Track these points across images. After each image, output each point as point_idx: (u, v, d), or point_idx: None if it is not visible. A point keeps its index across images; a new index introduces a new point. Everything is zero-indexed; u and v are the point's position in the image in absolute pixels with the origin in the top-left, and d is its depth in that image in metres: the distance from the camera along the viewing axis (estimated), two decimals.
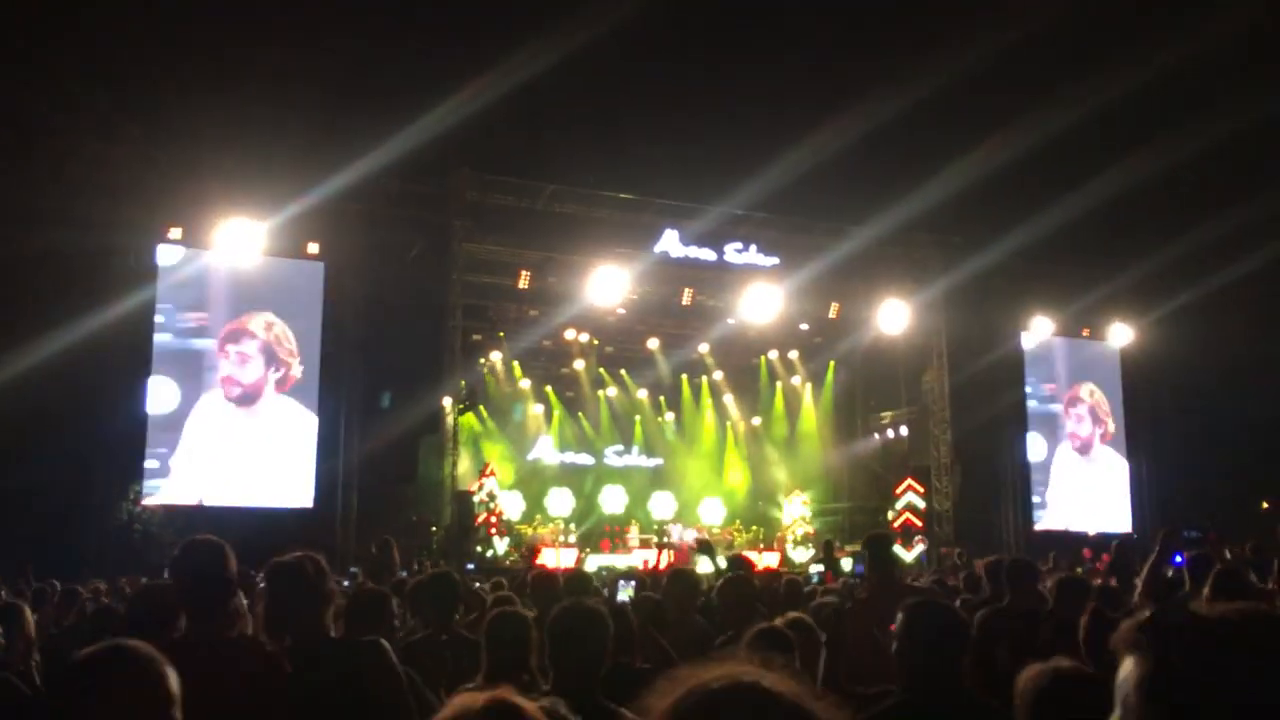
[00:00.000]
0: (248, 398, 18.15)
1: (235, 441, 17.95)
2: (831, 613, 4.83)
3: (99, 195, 16.70)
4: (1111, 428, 24.29)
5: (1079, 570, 12.25)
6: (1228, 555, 8.22)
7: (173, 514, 17.26)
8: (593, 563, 19.45)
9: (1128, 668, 1.39)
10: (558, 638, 3.24)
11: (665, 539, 21.60)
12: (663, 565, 17.20)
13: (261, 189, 17.62)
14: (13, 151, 16.06)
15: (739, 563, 6.75)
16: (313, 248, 18.60)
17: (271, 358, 18.31)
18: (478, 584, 8.44)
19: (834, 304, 21.98)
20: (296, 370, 18.46)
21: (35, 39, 16.08)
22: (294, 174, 17.35)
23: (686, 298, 20.99)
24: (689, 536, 23.04)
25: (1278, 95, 18.20)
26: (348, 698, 3.17)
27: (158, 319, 17.78)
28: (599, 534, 23.73)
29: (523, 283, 20.02)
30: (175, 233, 17.85)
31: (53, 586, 8.59)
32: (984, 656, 3.97)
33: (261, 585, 3.82)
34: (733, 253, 21.11)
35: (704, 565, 8.35)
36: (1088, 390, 24.14)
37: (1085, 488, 23.72)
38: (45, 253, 15.71)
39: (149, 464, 17.54)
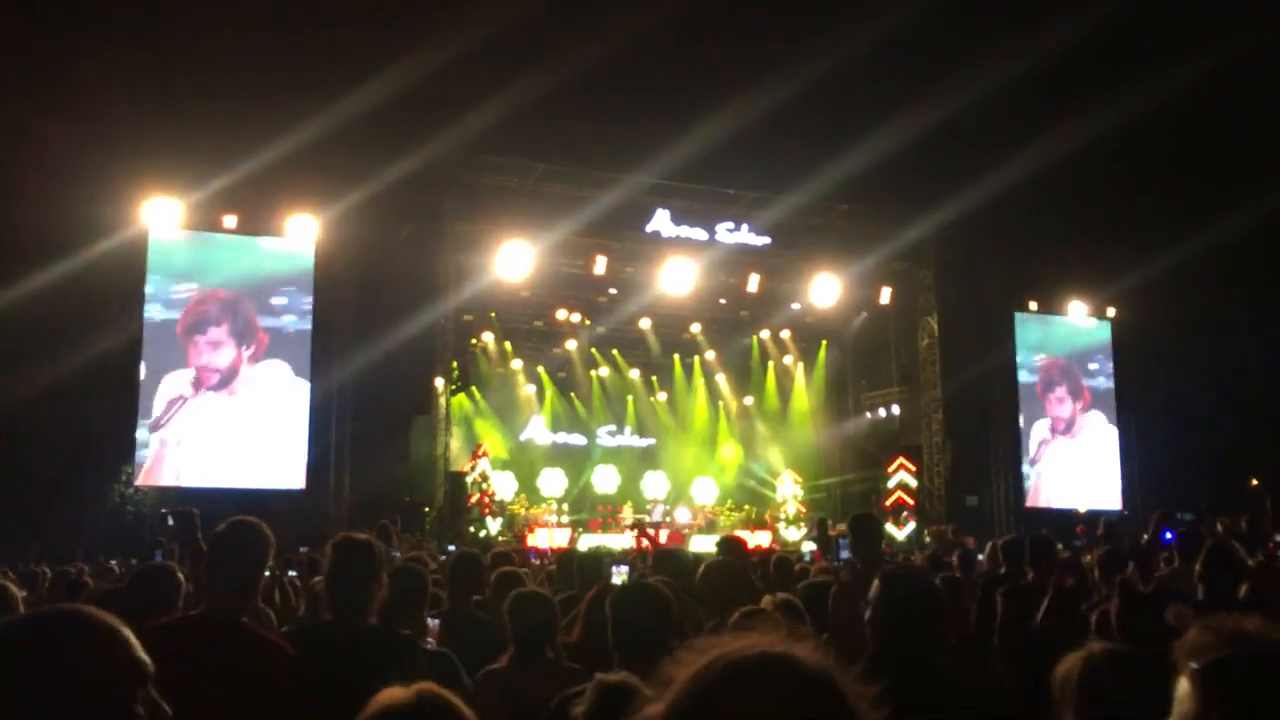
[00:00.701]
0: (226, 380, 17.97)
1: (225, 421, 17.85)
2: (823, 591, 4.84)
3: (88, 172, 16.60)
4: (1089, 396, 24.16)
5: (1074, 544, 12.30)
6: (1219, 529, 8.27)
7: (164, 495, 17.24)
8: (584, 542, 19.48)
9: (1183, 695, 1.40)
10: (621, 616, 3.25)
11: (648, 518, 21.69)
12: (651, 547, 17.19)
13: (253, 169, 17.48)
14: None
15: (730, 545, 6.72)
16: (304, 229, 18.49)
17: (240, 336, 18.14)
18: None
19: (825, 283, 21.93)
20: (264, 335, 18.21)
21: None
22: (285, 157, 17.21)
23: (679, 277, 20.93)
24: (682, 517, 23.14)
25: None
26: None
27: (148, 297, 17.70)
28: (591, 514, 23.77)
29: (514, 263, 19.94)
30: (167, 214, 17.74)
31: (43, 572, 8.57)
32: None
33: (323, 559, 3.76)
34: (724, 232, 21.07)
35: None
36: (1061, 368, 23.98)
37: (1074, 465, 23.75)
38: (31, 232, 15.60)
39: (139, 445, 17.47)
